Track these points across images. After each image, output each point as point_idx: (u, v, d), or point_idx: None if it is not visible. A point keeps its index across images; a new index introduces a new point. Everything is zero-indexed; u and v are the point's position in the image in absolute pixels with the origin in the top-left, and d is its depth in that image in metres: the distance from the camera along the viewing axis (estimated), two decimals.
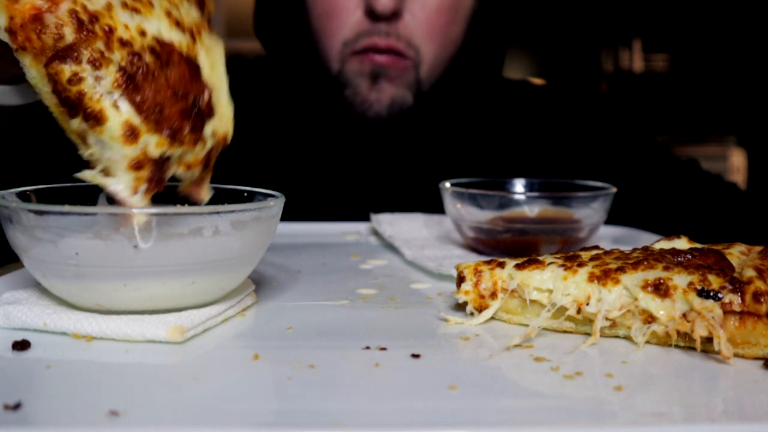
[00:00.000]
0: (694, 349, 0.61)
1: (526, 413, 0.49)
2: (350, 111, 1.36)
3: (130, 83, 0.60)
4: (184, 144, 0.63)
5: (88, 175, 0.63)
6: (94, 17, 0.60)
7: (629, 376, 0.56)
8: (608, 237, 1.14)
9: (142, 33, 0.62)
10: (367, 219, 1.19)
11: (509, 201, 1.00)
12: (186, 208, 0.63)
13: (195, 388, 0.52)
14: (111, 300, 0.63)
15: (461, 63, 1.42)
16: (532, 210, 0.99)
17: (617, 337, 0.65)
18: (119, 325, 0.61)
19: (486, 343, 0.64)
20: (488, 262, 0.72)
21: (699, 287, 0.61)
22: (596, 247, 0.75)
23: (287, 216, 0.80)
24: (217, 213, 0.63)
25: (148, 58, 0.62)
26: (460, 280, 0.71)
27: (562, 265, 0.67)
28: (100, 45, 0.60)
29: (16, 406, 0.47)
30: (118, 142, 0.60)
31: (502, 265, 0.70)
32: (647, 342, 0.63)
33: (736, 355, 0.60)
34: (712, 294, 0.60)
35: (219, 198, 0.77)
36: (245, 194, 0.76)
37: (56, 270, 0.62)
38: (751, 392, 0.54)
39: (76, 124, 0.60)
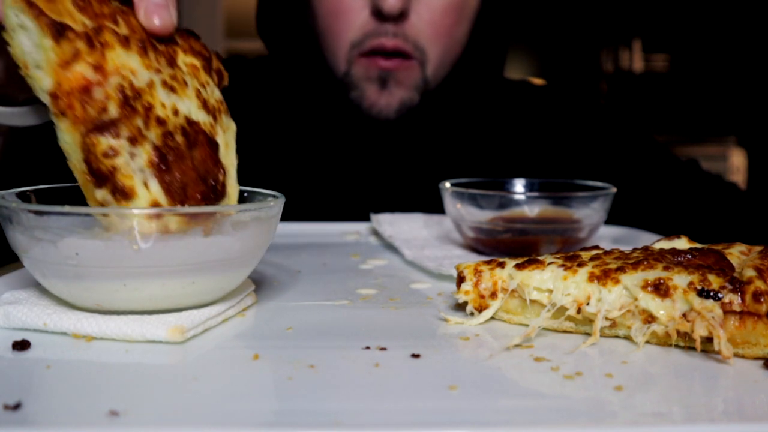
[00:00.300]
0: (694, 349, 0.61)
1: (526, 413, 0.49)
2: (356, 112, 1.36)
3: (163, 163, 0.62)
4: (199, 224, 0.63)
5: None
6: (137, 94, 0.61)
7: (629, 376, 0.56)
8: (608, 237, 1.14)
9: (176, 112, 0.63)
10: (367, 219, 1.19)
11: (509, 201, 1.00)
12: (186, 209, 0.63)
13: (195, 388, 0.52)
14: (111, 300, 0.63)
15: (464, 63, 1.42)
16: (532, 210, 0.99)
17: (617, 337, 0.65)
18: (119, 325, 0.61)
19: (486, 343, 0.64)
20: (488, 262, 0.72)
21: (699, 287, 0.61)
22: (596, 247, 0.75)
23: (287, 216, 0.80)
24: (217, 213, 0.63)
25: (179, 138, 0.63)
26: (460, 280, 0.71)
27: (562, 265, 0.67)
28: (139, 122, 0.61)
29: (16, 406, 0.47)
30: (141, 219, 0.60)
31: (502, 265, 0.70)
32: (647, 342, 0.63)
33: (736, 355, 0.60)
34: (712, 294, 0.60)
35: None
36: (245, 194, 0.76)
37: (56, 270, 0.62)
38: (751, 392, 0.54)
39: (101, 194, 0.61)
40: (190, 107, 0.65)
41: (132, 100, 0.60)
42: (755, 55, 4.57)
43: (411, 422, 0.48)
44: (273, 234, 0.70)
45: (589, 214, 0.98)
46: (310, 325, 0.68)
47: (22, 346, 0.59)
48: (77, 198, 0.74)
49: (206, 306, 0.66)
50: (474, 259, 0.80)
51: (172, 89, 0.64)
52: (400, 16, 1.26)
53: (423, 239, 1.07)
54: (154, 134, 0.62)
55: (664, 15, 4.71)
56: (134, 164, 0.60)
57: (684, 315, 0.61)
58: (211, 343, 0.62)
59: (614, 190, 1.00)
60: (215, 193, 0.66)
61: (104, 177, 0.60)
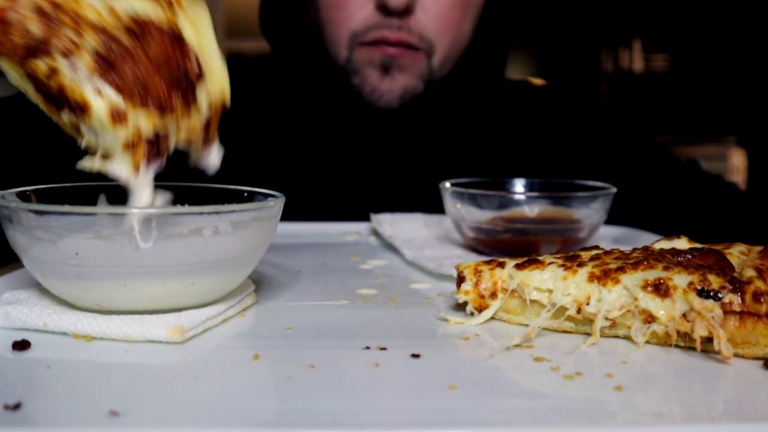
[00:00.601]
0: (694, 349, 0.61)
1: (526, 413, 0.49)
2: (358, 100, 1.34)
3: (106, 65, 0.59)
4: (176, 113, 0.61)
5: (87, 164, 0.63)
6: (56, 6, 0.58)
7: (629, 376, 0.56)
8: (608, 237, 1.14)
9: (114, 14, 0.60)
10: (367, 219, 1.19)
11: (509, 201, 1.00)
12: (186, 208, 0.63)
13: (195, 388, 0.52)
14: (111, 300, 0.63)
15: (466, 61, 1.41)
16: (532, 210, 0.99)
17: (617, 337, 0.65)
18: (119, 325, 0.61)
19: (486, 343, 0.64)
20: (488, 262, 0.72)
21: (699, 287, 0.61)
22: (596, 247, 0.75)
23: (287, 216, 0.80)
24: (217, 213, 0.63)
25: (123, 38, 0.59)
26: (460, 280, 0.71)
27: (562, 265, 0.67)
28: (68, 33, 0.58)
29: (16, 406, 0.47)
30: (107, 126, 0.59)
31: (502, 265, 0.70)
32: (647, 342, 0.63)
33: (736, 355, 0.60)
34: (712, 294, 0.60)
35: (219, 198, 0.77)
36: (245, 194, 0.76)
37: (56, 270, 0.62)
38: (751, 392, 0.54)
39: (66, 116, 0.60)
40: (132, 5, 0.61)
41: (53, 13, 0.58)
42: (755, 55, 4.57)
43: (411, 422, 0.48)
44: (273, 234, 0.70)
45: (589, 214, 0.98)
46: (310, 325, 0.68)
47: (22, 346, 0.59)
48: (77, 198, 0.74)
49: (206, 306, 0.66)
50: (474, 259, 0.80)
51: None
52: (405, 12, 1.25)
53: (423, 239, 1.07)
54: (91, 41, 0.58)
55: (664, 15, 4.70)
56: (79, 75, 0.58)
57: (684, 315, 0.61)
58: (211, 343, 0.62)
59: (614, 190, 1.00)
60: (188, 79, 0.62)
61: (57, 98, 0.58)
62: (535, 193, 1.03)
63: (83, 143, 0.62)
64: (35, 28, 0.57)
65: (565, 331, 0.67)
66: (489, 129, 1.49)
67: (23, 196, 0.69)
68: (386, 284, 0.84)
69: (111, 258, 0.60)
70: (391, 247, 1.05)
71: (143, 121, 0.60)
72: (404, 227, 1.12)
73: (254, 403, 0.50)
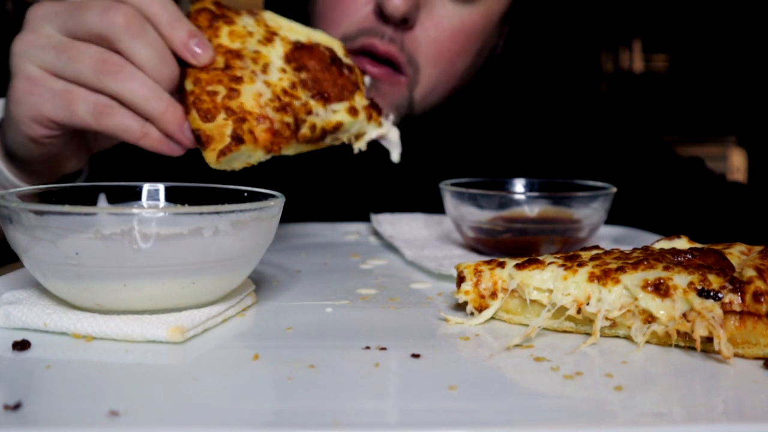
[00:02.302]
0: (694, 349, 0.61)
1: (526, 413, 0.49)
2: None
3: (322, 97, 0.87)
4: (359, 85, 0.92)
5: (356, 147, 0.92)
6: (286, 93, 0.84)
7: (629, 376, 0.56)
8: (608, 237, 1.14)
9: (284, 69, 0.88)
10: (367, 219, 1.19)
11: (509, 201, 1.00)
12: (186, 208, 0.63)
13: (195, 388, 0.52)
14: (111, 300, 0.63)
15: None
16: (532, 210, 0.99)
17: (617, 337, 0.65)
18: (119, 325, 0.61)
19: (486, 343, 0.64)
20: (488, 262, 0.72)
21: (699, 287, 0.61)
22: (596, 247, 0.75)
23: (287, 216, 0.80)
24: (217, 213, 0.63)
25: (304, 72, 0.88)
26: (460, 280, 0.71)
27: (562, 265, 0.67)
28: (301, 103, 0.85)
29: (16, 406, 0.47)
30: (353, 122, 0.88)
31: (502, 265, 0.70)
32: (647, 342, 0.63)
33: (736, 355, 0.60)
34: (712, 294, 0.60)
35: (219, 198, 0.77)
36: (245, 194, 0.76)
37: (56, 270, 0.62)
38: (751, 392, 0.54)
39: (329, 140, 0.88)
40: (277, 51, 0.88)
41: (286, 100, 0.84)
42: (755, 55, 4.57)
43: (411, 422, 0.48)
44: (273, 234, 0.70)
45: (589, 214, 0.98)
46: (310, 325, 0.68)
47: (22, 346, 0.59)
48: (77, 198, 0.74)
49: (206, 306, 0.66)
50: (474, 259, 0.80)
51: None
52: (403, 23, 1.18)
53: (423, 239, 1.07)
54: (305, 95, 0.86)
55: (664, 15, 4.70)
56: (321, 114, 0.86)
57: (684, 315, 0.61)
58: (211, 343, 0.62)
59: (614, 190, 1.00)
60: (339, 62, 0.90)
61: (319, 137, 0.87)
62: (535, 193, 1.03)
63: (343, 142, 0.90)
64: (290, 118, 0.83)
65: (565, 331, 0.67)
66: (489, 129, 1.49)
67: (23, 196, 0.69)
68: (386, 284, 0.84)
69: (111, 258, 0.60)
70: (391, 247, 1.05)
71: (359, 100, 0.89)
72: (404, 227, 1.12)
73: (254, 403, 0.50)
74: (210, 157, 0.79)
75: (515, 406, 0.50)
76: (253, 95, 0.81)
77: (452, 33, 1.21)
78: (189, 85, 0.81)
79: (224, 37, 0.85)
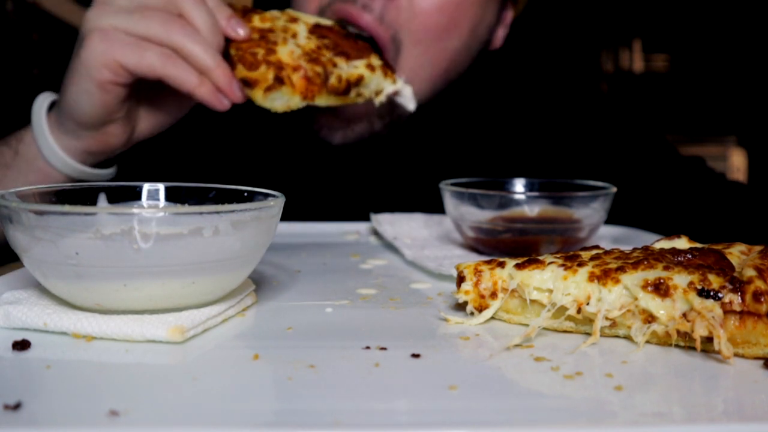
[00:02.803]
0: (694, 348, 0.61)
1: (526, 413, 0.49)
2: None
3: (342, 54, 1.01)
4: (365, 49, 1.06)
5: (377, 100, 1.04)
6: (314, 51, 1.01)
7: (629, 376, 0.56)
8: (608, 237, 1.14)
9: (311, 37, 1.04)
10: (367, 219, 1.19)
11: (509, 201, 1.00)
12: (186, 208, 0.63)
13: (195, 388, 0.52)
14: (111, 300, 0.63)
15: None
16: (532, 210, 0.99)
17: (617, 336, 0.65)
18: (119, 325, 0.61)
19: (486, 343, 0.64)
20: (488, 262, 0.72)
21: (699, 287, 0.61)
22: (596, 247, 0.75)
23: (287, 216, 0.80)
24: (217, 213, 0.63)
25: (326, 37, 1.04)
26: (460, 280, 0.71)
27: (562, 265, 0.67)
28: (326, 58, 1.01)
29: (16, 406, 0.47)
30: (372, 77, 1.02)
31: (502, 265, 0.70)
32: (647, 342, 0.63)
33: (736, 355, 0.60)
34: (712, 294, 0.60)
35: (219, 198, 0.77)
36: (245, 194, 0.76)
37: (56, 270, 0.62)
38: (751, 392, 0.54)
39: (353, 93, 1.01)
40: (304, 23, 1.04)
41: (314, 55, 1.00)
42: (755, 55, 4.57)
43: (411, 422, 0.48)
44: (273, 234, 0.70)
45: (589, 213, 0.98)
46: (310, 325, 0.68)
47: (22, 346, 0.59)
48: (77, 198, 0.74)
49: (206, 306, 0.66)
50: (474, 259, 0.80)
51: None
52: None
53: (423, 239, 1.07)
54: (329, 53, 1.01)
55: (664, 15, 4.70)
56: (344, 69, 1.00)
57: (684, 315, 0.61)
58: (211, 343, 0.62)
59: (614, 190, 1.00)
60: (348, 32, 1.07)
61: (345, 88, 1.00)
62: (535, 193, 1.03)
63: (357, 99, 1.02)
64: (320, 69, 0.98)
65: (565, 331, 0.67)
66: (489, 129, 1.49)
67: (23, 196, 0.69)
68: (386, 284, 0.84)
69: (111, 258, 0.60)
70: (391, 247, 1.05)
71: (374, 60, 1.03)
72: (404, 227, 1.12)
73: (254, 403, 0.50)
74: (257, 94, 0.94)
75: (515, 406, 0.50)
76: (287, 53, 0.97)
77: (439, 4, 1.13)
78: (233, 51, 0.96)
79: (256, 21, 1.01)
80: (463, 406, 0.50)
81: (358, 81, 1.00)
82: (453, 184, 1.02)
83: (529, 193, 1.04)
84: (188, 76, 0.91)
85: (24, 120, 1.03)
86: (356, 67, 1.00)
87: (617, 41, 4.78)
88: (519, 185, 1.10)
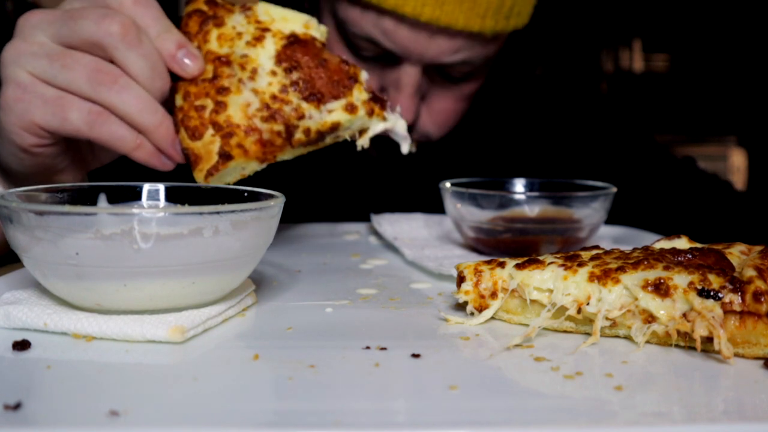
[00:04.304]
0: (694, 348, 0.61)
1: (526, 413, 0.49)
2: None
3: (314, 97, 0.83)
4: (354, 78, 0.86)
5: (360, 143, 0.87)
6: (275, 99, 0.83)
7: (629, 376, 0.56)
8: (608, 237, 1.14)
9: (275, 71, 0.86)
10: (367, 219, 1.19)
11: (509, 201, 1.00)
12: (186, 208, 0.63)
13: (195, 388, 0.52)
14: (111, 300, 0.63)
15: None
16: (532, 210, 0.99)
17: (617, 337, 0.65)
18: (119, 325, 0.61)
19: (486, 343, 0.64)
20: (488, 262, 0.72)
21: (699, 287, 0.61)
22: (596, 247, 0.75)
23: (287, 216, 0.80)
24: (217, 213, 0.63)
25: (295, 73, 0.85)
26: (461, 280, 0.71)
27: (563, 265, 0.67)
28: (293, 106, 0.83)
29: (16, 406, 0.47)
30: (352, 119, 0.84)
31: (502, 265, 0.70)
32: (647, 342, 0.63)
33: (736, 355, 0.60)
34: (712, 294, 0.60)
35: (219, 198, 0.77)
36: (245, 194, 0.76)
37: (56, 270, 0.62)
38: (752, 392, 0.54)
39: (329, 139, 0.85)
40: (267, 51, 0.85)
41: (274, 107, 0.83)
42: (755, 55, 4.57)
43: (411, 422, 0.48)
44: (273, 234, 0.70)
45: (589, 213, 0.98)
46: (310, 325, 0.68)
47: (22, 346, 0.59)
48: (77, 198, 0.74)
49: (206, 306, 0.66)
50: (474, 259, 0.80)
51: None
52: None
53: (423, 239, 1.07)
54: (296, 97, 0.83)
55: (664, 15, 4.71)
56: (315, 117, 0.83)
57: (684, 315, 0.61)
58: (211, 343, 0.62)
59: (614, 190, 1.00)
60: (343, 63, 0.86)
61: (316, 139, 0.85)
62: (535, 193, 1.03)
63: (346, 139, 0.87)
64: (280, 126, 0.83)
65: (565, 331, 0.67)
66: (489, 129, 1.49)
67: (23, 196, 0.69)
68: (386, 284, 0.84)
69: (111, 258, 0.60)
70: (391, 247, 1.05)
71: (357, 95, 0.84)
72: (404, 227, 1.12)
73: (254, 403, 0.50)
74: (198, 177, 0.80)
75: (515, 406, 0.50)
76: (240, 106, 0.81)
77: (454, 104, 1.26)
78: (179, 100, 0.81)
79: (213, 42, 0.84)
80: (463, 406, 0.50)
81: (334, 128, 0.84)
82: (453, 184, 1.02)
83: (529, 193, 1.04)
84: (122, 138, 0.79)
85: None
86: (330, 112, 0.83)
87: (617, 41, 4.78)
88: (519, 185, 1.10)
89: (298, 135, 0.82)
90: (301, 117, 0.82)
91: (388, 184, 1.41)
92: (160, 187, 0.78)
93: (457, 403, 0.50)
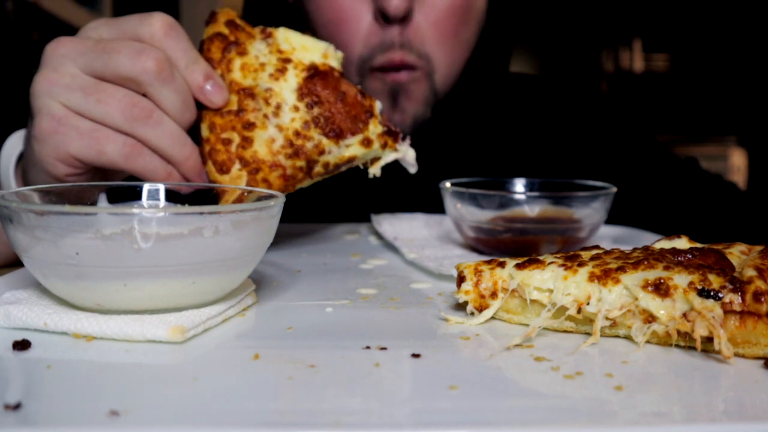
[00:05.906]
0: (694, 348, 0.61)
1: (526, 413, 0.49)
2: None
3: (334, 132, 0.88)
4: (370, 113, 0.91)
5: (372, 171, 0.93)
6: (299, 135, 0.87)
7: (629, 376, 0.56)
8: (608, 237, 1.14)
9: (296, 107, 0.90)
10: (367, 219, 1.19)
11: (509, 201, 1.00)
12: (186, 208, 0.63)
13: (195, 388, 0.52)
14: (111, 300, 0.63)
15: (469, 66, 1.40)
16: (533, 210, 0.99)
17: (617, 336, 0.65)
18: (119, 325, 0.61)
19: (486, 343, 0.64)
20: (488, 262, 0.72)
21: (699, 287, 0.61)
22: (596, 247, 0.75)
23: (287, 216, 0.80)
24: (217, 213, 0.63)
25: (316, 108, 0.90)
26: (461, 279, 0.71)
27: (563, 265, 0.67)
28: (314, 142, 0.88)
29: (16, 406, 0.47)
30: (367, 152, 0.90)
31: (502, 264, 0.70)
32: (647, 342, 0.63)
33: (736, 355, 0.60)
34: (712, 294, 0.60)
35: (219, 198, 0.77)
36: (245, 194, 0.76)
37: (56, 270, 0.62)
38: (752, 392, 0.54)
39: (344, 168, 0.91)
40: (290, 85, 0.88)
41: (297, 143, 0.87)
42: (755, 55, 4.57)
43: (411, 422, 0.48)
44: (273, 234, 0.70)
45: (589, 213, 0.98)
46: (310, 325, 0.68)
47: (22, 346, 0.59)
48: (77, 198, 0.74)
49: (206, 306, 0.66)
50: (474, 259, 0.80)
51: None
52: (405, 18, 1.20)
53: (423, 239, 1.07)
54: (317, 133, 0.87)
55: (664, 15, 4.71)
56: (334, 152, 0.88)
57: (684, 315, 0.61)
58: (211, 343, 0.62)
59: (614, 189, 1.00)
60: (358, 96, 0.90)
61: (332, 171, 0.91)
62: (535, 193, 1.03)
63: (360, 165, 0.92)
64: (302, 162, 0.87)
65: (565, 331, 0.67)
66: (489, 129, 1.49)
67: (23, 196, 0.69)
68: (386, 284, 0.84)
69: (111, 258, 0.60)
70: (391, 247, 1.05)
71: (372, 129, 0.88)
72: (405, 227, 1.12)
73: (254, 403, 0.50)
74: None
75: (515, 406, 0.50)
76: (265, 142, 0.85)
77: (448, 9, 1.23)
78: (205, 131, 0.85)
79: (236, 72, 0.87)
80: (463, 406, 0.50)
81: (350, 161, 0.90)
82: (453, 184, 1.02)
83: (529, 193, 1.04)
84: (155, 170, 0.83)
85: (23, 119, 1.02)
86: (348, 147, 0.88)
87: (617, 41, 4.79)
88: (519, 185, 1.10)
89: (318, 168, 0.88)
90: (322, 152, 0.87)
91: (388, 184, 1.41)
92: (160, 187, 0.78)
93: (457, 403, 0.50)
